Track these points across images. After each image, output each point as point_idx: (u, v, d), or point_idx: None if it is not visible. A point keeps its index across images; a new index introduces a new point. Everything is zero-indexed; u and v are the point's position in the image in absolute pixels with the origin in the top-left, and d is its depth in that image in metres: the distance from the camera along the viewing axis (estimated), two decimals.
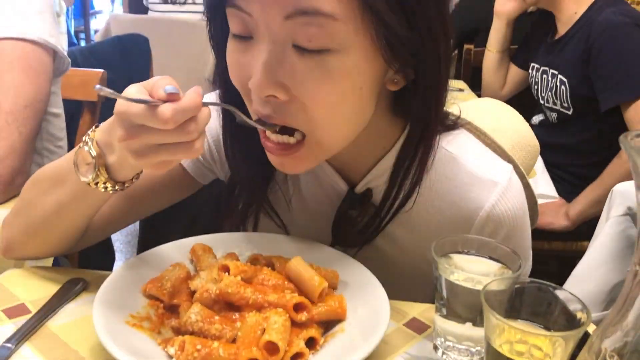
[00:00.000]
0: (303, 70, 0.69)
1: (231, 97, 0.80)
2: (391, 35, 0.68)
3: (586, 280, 1.33)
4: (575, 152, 2.00)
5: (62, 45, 1.28)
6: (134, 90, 0.64)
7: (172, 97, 0.62)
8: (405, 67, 0.74)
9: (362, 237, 0.88)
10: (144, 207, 0.96)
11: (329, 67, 0.68)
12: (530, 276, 0.87)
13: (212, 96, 0.95)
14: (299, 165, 0.78)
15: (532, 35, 2.24)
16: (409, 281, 0.91)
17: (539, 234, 1.96)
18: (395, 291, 0.87)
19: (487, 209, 0.84)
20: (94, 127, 0.75)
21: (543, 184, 1.82)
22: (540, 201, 1.44)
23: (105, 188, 0.74)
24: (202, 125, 0.66)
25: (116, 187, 0.75)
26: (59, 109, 1.40)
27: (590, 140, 1.96)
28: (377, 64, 0.72)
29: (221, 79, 0.82)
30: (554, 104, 2.00)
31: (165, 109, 0.62)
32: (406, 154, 0.82)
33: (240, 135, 0.85)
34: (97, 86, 0.62)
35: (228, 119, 0.86)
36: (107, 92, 0.62)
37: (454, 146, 0.87)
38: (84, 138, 0.74)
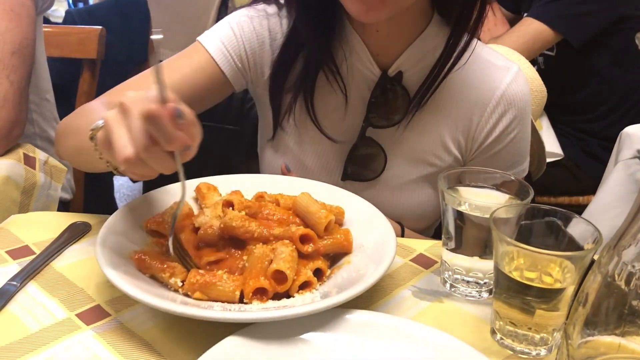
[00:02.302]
0: None
1: None
2: None
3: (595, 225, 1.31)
4: (573, 108, 1.99)
5: None
6: None
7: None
8: None
9: (393, 120, 0.96)
10: None
11: None
12: None
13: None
14: (382, 10, 0.83)
15: None
16: (429, 176, 1.00)
17: (545, 190, 1.95)
18: (413, 188, 0.99)
19: (502, 88, 0.97)
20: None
21: (548, 142, 1.81)
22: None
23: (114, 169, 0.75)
24: None
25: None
26: (40, 55, 1.30)
27: (583, 94, 1.95)
28: None
29: None
30: None
31: None
32: (458, 33, 0.90)
33: None
34: None
35: None
36: None
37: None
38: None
